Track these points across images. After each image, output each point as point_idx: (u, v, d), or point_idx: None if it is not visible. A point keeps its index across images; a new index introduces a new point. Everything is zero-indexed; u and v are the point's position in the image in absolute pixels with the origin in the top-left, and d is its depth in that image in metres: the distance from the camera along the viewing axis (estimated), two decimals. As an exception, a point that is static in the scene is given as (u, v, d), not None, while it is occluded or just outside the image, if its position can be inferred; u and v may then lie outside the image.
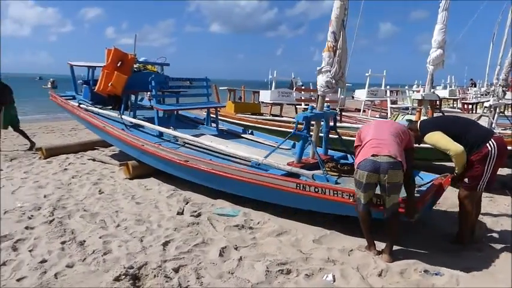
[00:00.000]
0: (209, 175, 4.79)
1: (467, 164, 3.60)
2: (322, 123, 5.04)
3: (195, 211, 4.64)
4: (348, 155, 5.16)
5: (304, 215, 4.44)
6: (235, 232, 4.07)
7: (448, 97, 14.03)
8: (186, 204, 4.94)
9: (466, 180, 3.65)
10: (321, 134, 5.14)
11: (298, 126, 4.63)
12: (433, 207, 4.85)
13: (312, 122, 4.77)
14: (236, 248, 3.65)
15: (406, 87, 16.42)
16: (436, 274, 3.15)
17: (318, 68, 4.69)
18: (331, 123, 5.15)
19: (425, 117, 4.21)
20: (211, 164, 4.80)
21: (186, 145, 5.87)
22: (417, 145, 3.84)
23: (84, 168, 6.77)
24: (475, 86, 20.19)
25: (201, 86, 7.31)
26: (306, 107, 8.88)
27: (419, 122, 3.97)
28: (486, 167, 3.54)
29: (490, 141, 3.55)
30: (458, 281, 3.06)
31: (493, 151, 3.52)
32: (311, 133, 4.77)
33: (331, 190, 3.76)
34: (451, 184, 3.81)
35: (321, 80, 4.65)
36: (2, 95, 8.07)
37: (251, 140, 6.55)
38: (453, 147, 3.54)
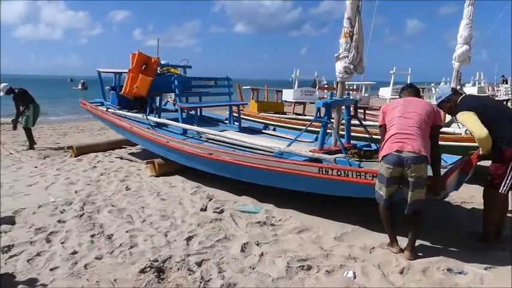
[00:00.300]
0: (232, 166, 4.87)
1: (492, 157, 3.51)
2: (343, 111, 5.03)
3: (218, 208, 4.74)
4: (372, 144, 5.12)
5: (326, 212, 4.47)
6: (257, 228, 4.13)
7: (477, 94, 13.62)
8: (210, 201, 5.04)
9: (488, 177, 3.58)
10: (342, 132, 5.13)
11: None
12: (461, 204, 4.79)
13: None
14: (258, 244, 3.71)
15: (432, 84, 16.05)
16: (459, 273, 3.11)
17: (336, 55, 4.69)
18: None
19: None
20: (235, 155, 4.90)
21: (209, 141, 5.98)
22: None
23: (112, 166, 7.01)
24: (506, 83, 19.50)
25: (223, 86, 7.41)
26: None
27: (461, 97, 3.76)
28: (509, 170, 3.44)
29: None
30: (483, 280, 3.01)
31: None
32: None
33: (354, 172, 3.74)
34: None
35: (339, 66, 4.66)
36: (25, 99, 8.65)
37: (273, 135, 6.63)
38: (477, 130, 3.41)
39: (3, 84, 8.60)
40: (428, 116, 3.38)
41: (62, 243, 3.72)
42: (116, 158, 7.64)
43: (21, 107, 8.63)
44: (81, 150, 7.97)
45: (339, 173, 3.84)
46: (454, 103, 3.74)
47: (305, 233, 4.02)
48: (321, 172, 3.97)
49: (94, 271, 3.21)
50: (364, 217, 4.23)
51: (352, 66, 4.60)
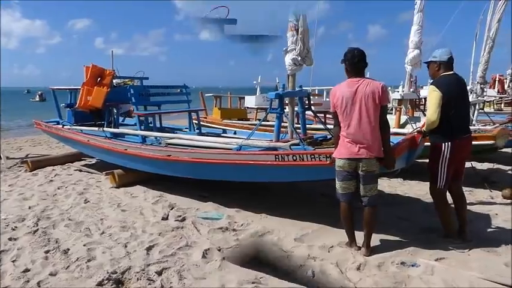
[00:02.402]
0: (192, 165, 4.88)
1: (431, 149, 3.72)
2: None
3: (180, 216, 4.69)
4: (328, 136, 5.22)
5: (287, 215, 4.53)
6: (219, 234, 4.12)
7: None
8: (171, 209, 4.98)
9: (428, 174, 3.78)
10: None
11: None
12: (417, 201, 4.98)
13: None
14: (219, 250, 3.71)
15: (389, 88, 16.67)
16: (412, 265, 3.24)
17: (284, 49, 4.84)
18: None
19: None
20: (193, 153, 4.91)
21: (168, 146, 5.89)
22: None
23: (70, 179, 6.79)
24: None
25: (181, 93, 7.33)
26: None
27: (446, 73, 3.73)
28: (439, 165, 3.63)
29: (447, 142, 3.58)
30: (433, 271, 3.15)
31: (445, 152, 3.59)
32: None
33: (309, 155, 3.83)
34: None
35: (288, 59, 4.80)
36: None
37: (233, 137, 6.67)
38: (432, 113, 3.54)
39: None
40: (372, 101, 3.27)
41: (13, 261, 3.54)
42: (75, 170, 7.41)
43: None
44: (37, 164, 7.70)
45: (294, 157, 3.92)
46: (439, 71, 3.76)
47: (266, 236, 4.05)
48: (277, 159, 4.04)
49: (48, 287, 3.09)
50: (323, 218, 4.32)
51: (300, 58, 4.74)
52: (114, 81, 7.29)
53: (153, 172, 5.69)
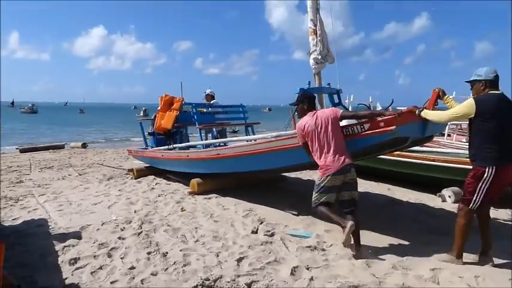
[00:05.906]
0: (234, 159, 5.77)
1: (472, 170, 3.55)
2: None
3: (269, 231, 4.77)
4: None
5: (378, 240, 4.34)
6: (307, 253, 4.10)
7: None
8: (261, 224, 5.09)
9: (462, 192, 3.69)
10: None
11: None
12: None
13: None
14: (308, 268, 3.69)
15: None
16: None
17: (308, 52, 5.59)
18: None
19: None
20: (236, 148, 5.90)
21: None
22: None
23: (168, 188, 7.36)
24: None
25: (237, 112, 8.38)
26: None
27: (491, 92, 3.49)
28: (478, 188, 3.45)
29: (491, 167, 3.39)
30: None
31: (488, 176, 3.40)
32: None
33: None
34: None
35: (311, 59, 5.56)
36: None
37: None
38: (447, 114, 3.64)
39: None
40: (333, 119, 4.04)
41: (122, 258, 3.96)
42: (170, 181, 7.99)
43: None
44: (141, 173, 8.50)
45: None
46: (485, 90, 3.52)
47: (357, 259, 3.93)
48: None
49: (149, 286, 3.37)
50: (418, 244, 4.04)
51: (320, 57, 5.48)
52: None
53: (208, 172, 6.54)
